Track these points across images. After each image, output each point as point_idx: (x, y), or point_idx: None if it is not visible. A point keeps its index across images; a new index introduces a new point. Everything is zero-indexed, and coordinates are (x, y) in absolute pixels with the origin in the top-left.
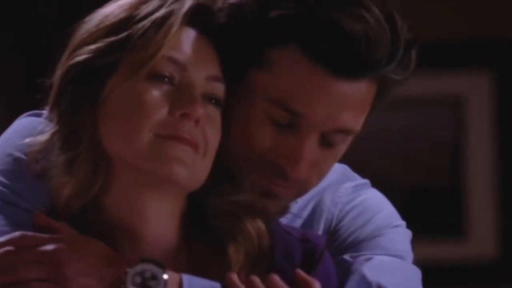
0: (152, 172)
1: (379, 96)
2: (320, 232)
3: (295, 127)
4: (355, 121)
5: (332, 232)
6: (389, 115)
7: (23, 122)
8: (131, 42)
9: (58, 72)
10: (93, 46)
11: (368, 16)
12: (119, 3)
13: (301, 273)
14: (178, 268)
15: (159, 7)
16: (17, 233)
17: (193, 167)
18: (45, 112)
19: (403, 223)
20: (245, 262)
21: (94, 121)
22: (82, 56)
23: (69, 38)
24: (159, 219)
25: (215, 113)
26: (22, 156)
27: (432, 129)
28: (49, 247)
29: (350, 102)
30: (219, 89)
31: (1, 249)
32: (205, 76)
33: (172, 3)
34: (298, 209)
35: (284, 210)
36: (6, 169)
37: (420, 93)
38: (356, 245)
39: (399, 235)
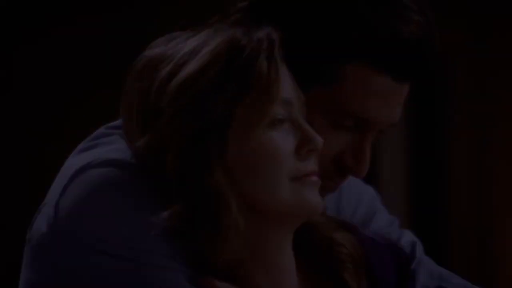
0: (298, 215)
1: None
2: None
3: (358, 128)
4: (400, 113)
5: (337, 213)
6: None
7: (109, 183)
8: (244, 94)
9: (158, 140)
10: (196, 106)
11: (418, 17)
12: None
13: None
14: None
15: (254, 50)
16: None
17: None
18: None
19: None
20: (358, 280)
21: (228, 185)
22: (186, 119)
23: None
24: (290, 248)
25: None
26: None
27: None
28: None
29: (402, 99)
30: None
31: None
32: (301, 103)
33: (258, 42)
34: None
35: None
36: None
37: None
38: (363, 225)
39: (380, 201)
